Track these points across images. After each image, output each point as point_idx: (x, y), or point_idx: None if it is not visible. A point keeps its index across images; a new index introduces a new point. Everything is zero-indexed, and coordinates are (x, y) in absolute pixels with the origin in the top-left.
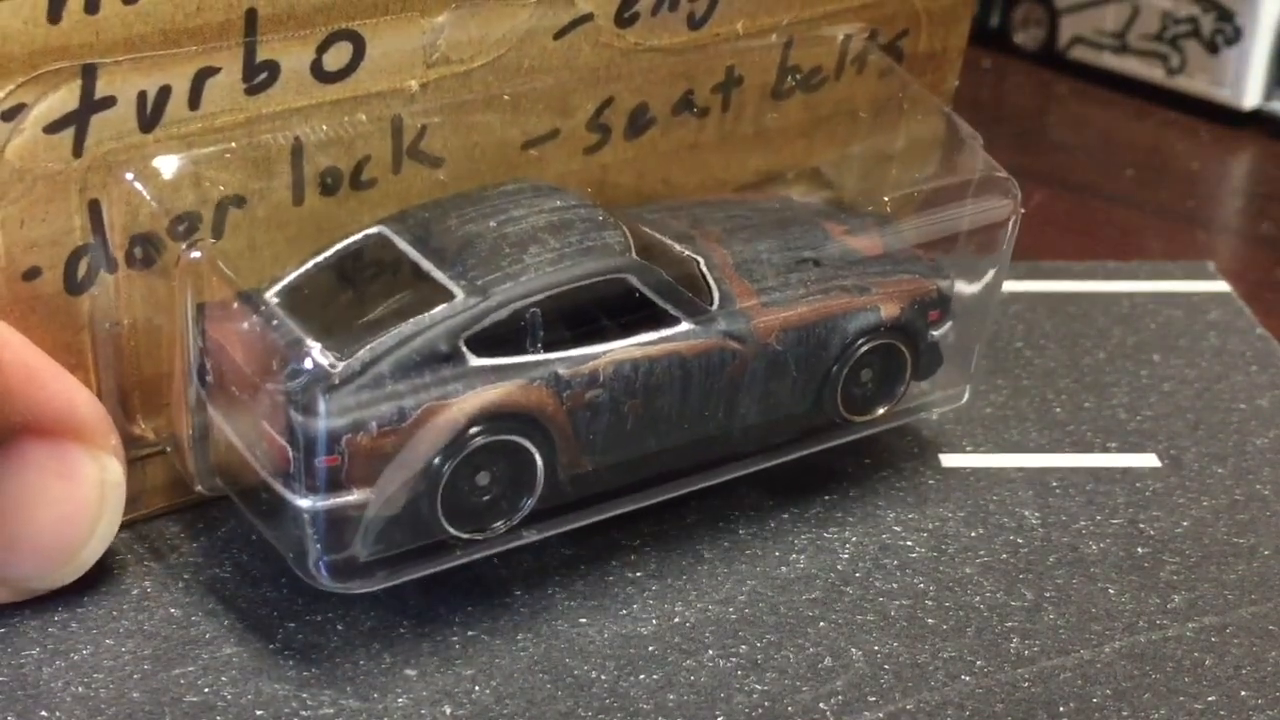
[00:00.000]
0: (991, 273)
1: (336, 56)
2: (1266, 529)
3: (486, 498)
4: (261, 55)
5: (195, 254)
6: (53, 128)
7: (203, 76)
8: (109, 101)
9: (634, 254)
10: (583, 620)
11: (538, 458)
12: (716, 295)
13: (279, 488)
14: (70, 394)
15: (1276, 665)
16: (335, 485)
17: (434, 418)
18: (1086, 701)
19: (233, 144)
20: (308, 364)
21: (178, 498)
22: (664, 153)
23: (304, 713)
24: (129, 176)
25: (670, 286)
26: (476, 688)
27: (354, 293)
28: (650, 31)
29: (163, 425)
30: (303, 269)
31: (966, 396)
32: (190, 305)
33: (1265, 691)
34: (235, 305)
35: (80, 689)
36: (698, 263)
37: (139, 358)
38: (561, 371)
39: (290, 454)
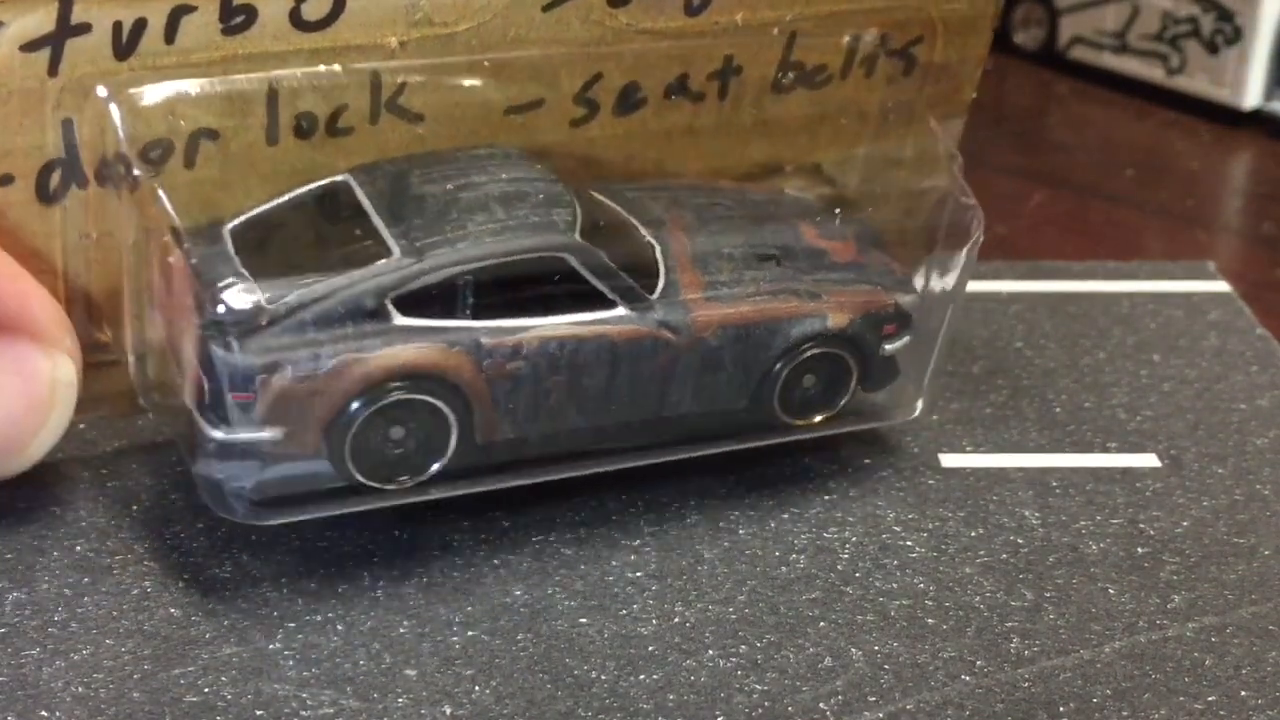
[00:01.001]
0: (950, 289)
1: (316, 7)
2: (1266, 529)
3: (398, 451)
4: None
5: (136, 172)
6: (29, 47)
7: (179, 13)
8: (84, 28)
9: (578, 234)
10: (583, 620)
11: (452, 421)
12: (662, 284)
13: (196, 416)
14: (27, 294)
15: (1276, 665)
16: (247, 421)
17: (349, 370)
18: (1086, 701)
19: (207, 81)
20: (233, 302)
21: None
22: (655, 133)
23: (304, 713)
24: (102, 94)
25: (608, 270)
26: (476, 688)
27: (305, 237)
28: (644, 13)
29: (122, 335)
30: (265, 207)
31: (919, 410)
32: (135, 229)
33: (1265, 691)
34: (186, 234)
35: (80, 689)
36: (654, 248)
37: (106, 268)
38: (484, 340)
39: (206, 385)
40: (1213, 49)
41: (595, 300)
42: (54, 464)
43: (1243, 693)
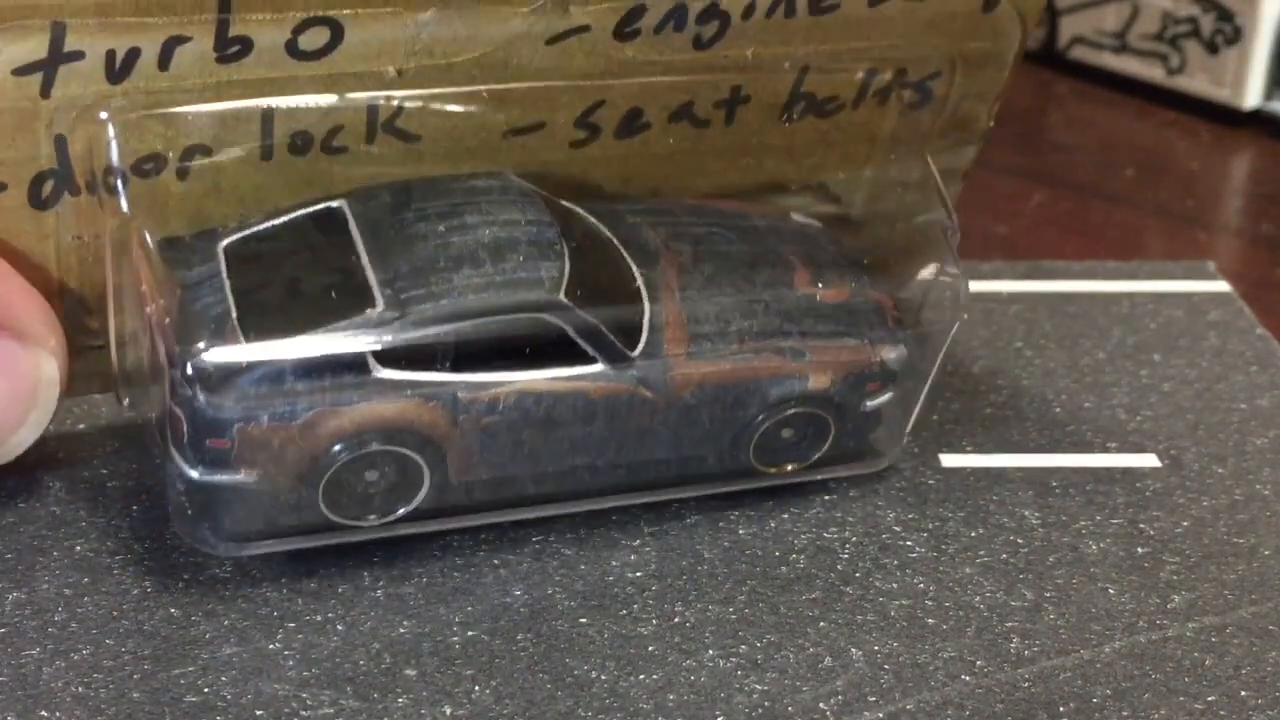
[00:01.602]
0: (937, 349)
1: (313, 38)
2: (1266, 529)
3: (371, 492)
4: (235, 31)
5: (124, 208)
6: (21, 71)
7: (173, 44)
8: (77, 55)
9: (564, 290)
10: (583, 620)
11: (425, 469)
12: (645, 338)
13: (172, 451)
14: (14, 294)
15: (1276, 665)
16: (223, 464)
17: (325, 422)
18: (1086, 701)
19: (201, 104)
20: (218, 349)
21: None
22: (658, 154)
23: (304, 713)
24: (102, 116)
25: (590, 328)
26: (476, 688)
27: (295, 269)
28: (651, 48)
29: (107, 325)
30: (260, 226)
31: (894, 458)
32: (110, 254)
33: (1265, 691)
34: (179, 245)
35: (80, 689)
36: (642, 296)
37: (98, 265)
38: (461, 395)
39: (184, 426)
40: (1213, 49)
41: (575, 355)
42: (54, 465)
43: (1243, 693)
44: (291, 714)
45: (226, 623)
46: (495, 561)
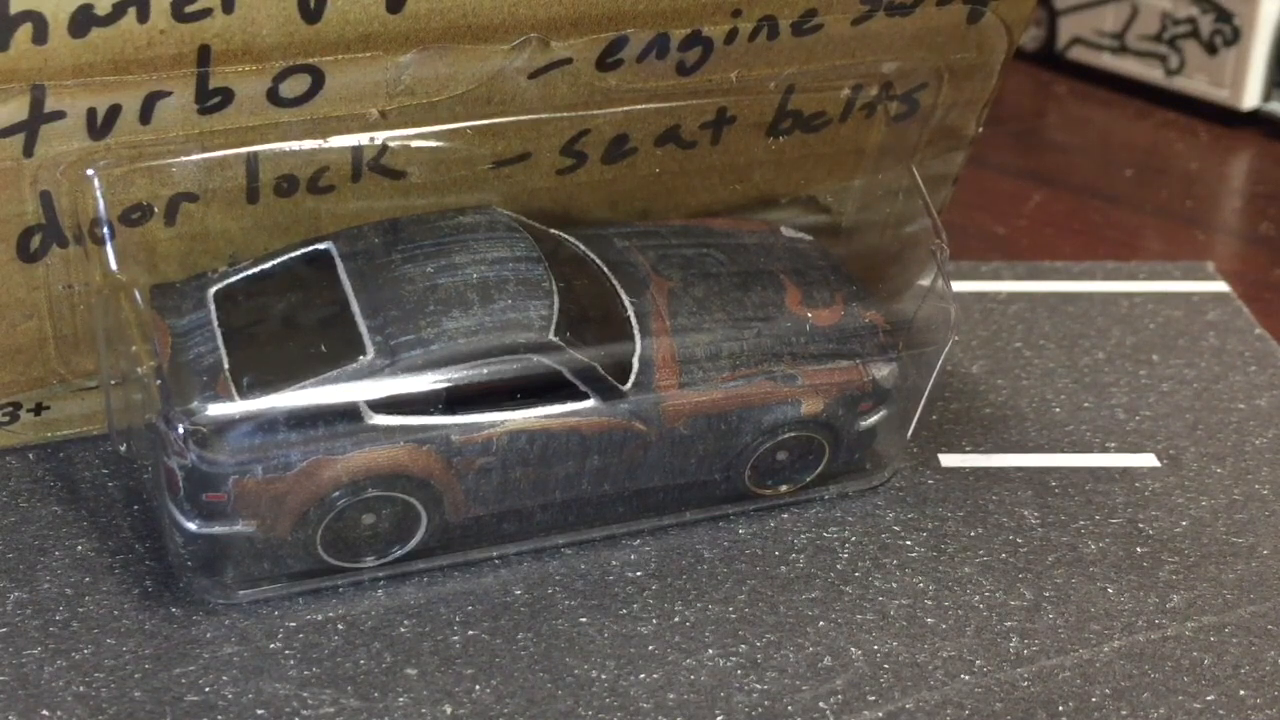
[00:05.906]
0: (931, 366)
1: (294, 86)
2: (1265, 528)
3: (369, 535)
4: (215, 83)
5: (114, 268)
6: (3, 133)
7: (154, 99)
8: (58, 115)
9: (553, 329)
10: (583, 620)
11: (421, 512)
12: (636, 370)
13: (169, 504)
14: None
15: (1275, 665)
16: (219, 516)
17: (321, 471)
18: (1085, 701)
19: (185, 154)
20: (209, 404)
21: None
22: (645, 176)
23: (305, 712)
24: (89, 173)
25: (582, 366)
26: (477, 687)
27: (284, 312)
28: (635, 76)
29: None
30: (249, 271)
31: (889, 475)
32: (103, 315)
33: (1264, 691)
34: (168, 291)
35: (81, 688)
36: (633, 328)
37: (90, 311)
38: (455, 438)
39: (180, 481)
40: (1211, 49)
41: (567, 393)
42: (56, 464)
43: (1241, 692)
44: (292, 713)
45: (227, 622)
46: (496, 561)
